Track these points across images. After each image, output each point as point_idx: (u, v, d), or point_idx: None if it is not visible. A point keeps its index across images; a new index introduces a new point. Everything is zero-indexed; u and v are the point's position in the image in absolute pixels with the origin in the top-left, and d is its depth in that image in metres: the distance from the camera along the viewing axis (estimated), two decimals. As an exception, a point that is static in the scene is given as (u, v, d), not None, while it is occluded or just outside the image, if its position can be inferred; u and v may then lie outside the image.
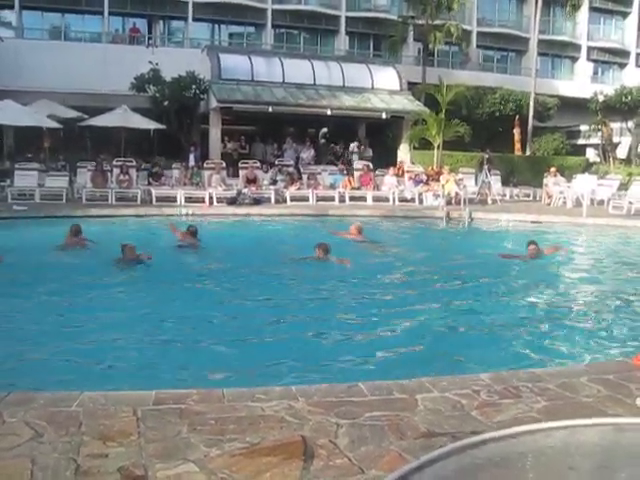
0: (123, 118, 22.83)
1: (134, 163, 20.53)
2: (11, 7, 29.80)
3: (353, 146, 26.40)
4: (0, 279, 8.80)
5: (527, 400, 3.85)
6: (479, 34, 38.24)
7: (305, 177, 21.42)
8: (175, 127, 25.08)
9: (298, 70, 26.38)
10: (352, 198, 20.43)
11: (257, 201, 19.16)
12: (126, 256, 9.96)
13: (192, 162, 22.34)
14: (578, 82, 39.51)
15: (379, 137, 27.50)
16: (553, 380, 4.24)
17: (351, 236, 12.91)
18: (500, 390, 4.02)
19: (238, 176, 20.94)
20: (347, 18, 35.00)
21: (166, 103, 24.79)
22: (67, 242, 11.65)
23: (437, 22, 31.29)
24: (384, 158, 25.07)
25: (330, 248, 10.46)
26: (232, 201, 18.76)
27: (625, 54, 42.52)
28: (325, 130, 29.34)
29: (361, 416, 3.53)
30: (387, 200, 20.69)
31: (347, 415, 3.54)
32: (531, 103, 30.00)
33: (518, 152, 29.47)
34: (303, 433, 3.31)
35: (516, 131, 29.53)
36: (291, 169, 22.08)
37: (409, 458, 3.02)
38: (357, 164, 22.72)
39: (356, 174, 21.69)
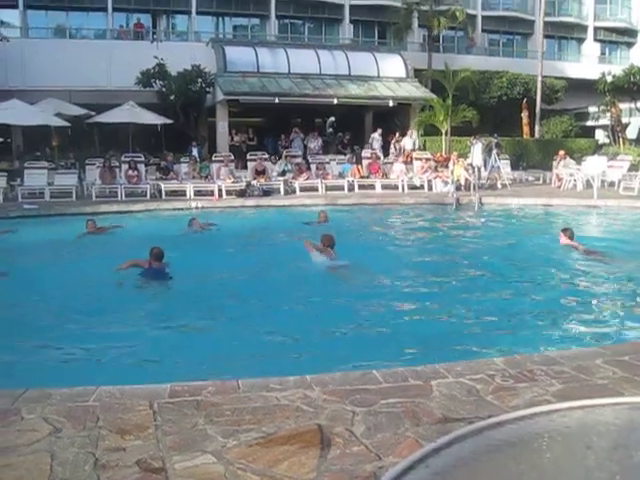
0: (130, 114, 22.86)
1: (142, 158, 20.56)
2: (15, 7, 29.80)
3: (374, 136, 25.94)
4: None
5: (542, 383, 3.83)
6: (484, 18, 37.92)
7: (313, 167, 21.39)
8: (182, 121, 25.09)
9: (303, 60, 26.36)
10: (361, 186, 20.43)
11: (266, 192, 19.18)
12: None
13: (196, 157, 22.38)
14: (585, 63, 39.14)
15: (387, 125, 27.43)
16: (568, 363, 4.22)
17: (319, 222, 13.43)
18: (515, 374, 4.00)
19: (247, 168, 20.96)
20: (351, 6, 34.76)
21: (172, 97, 24.80)
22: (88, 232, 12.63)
23: (441, 7, 31.10)
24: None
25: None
26: (241, 193, 18.79)
27: (633, 33, 42.02)
28: (332, 119, 29.30)
29: (376, 403, 3.53)
30: (396, 187, 20.65)
31: (362, 403, 3.54)
32: (538, 86, 29.77)
33: (527, 136, 29.29)
34: (319, 422, 3.31)
35: (524, 114, 29.31)
36: (299, 159, 22.05)
37: (426, 444, 3.02)
38: (365, 152, 22.65)
39: (364, 162, 21.64)
